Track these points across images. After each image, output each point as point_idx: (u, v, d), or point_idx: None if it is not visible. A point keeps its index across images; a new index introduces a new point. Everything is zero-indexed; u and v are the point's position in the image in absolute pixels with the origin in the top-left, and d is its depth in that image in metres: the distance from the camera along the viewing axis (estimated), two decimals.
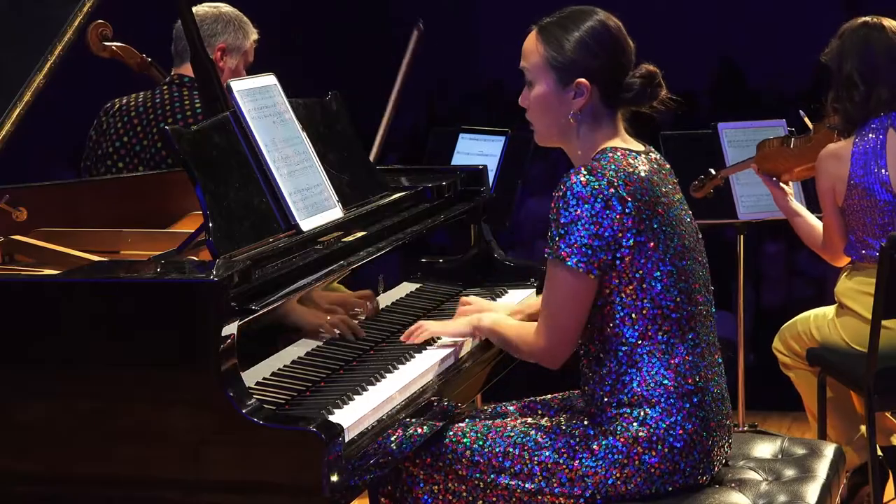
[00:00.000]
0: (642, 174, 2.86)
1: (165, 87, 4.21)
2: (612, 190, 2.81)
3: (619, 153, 2.89)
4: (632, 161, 2.88)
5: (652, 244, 2.84)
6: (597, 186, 2.81)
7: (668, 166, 3.01)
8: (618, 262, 2.83)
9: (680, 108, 3.01)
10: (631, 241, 2.82)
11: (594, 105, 2.94)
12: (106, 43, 4.28)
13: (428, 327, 3.18)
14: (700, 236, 3.02)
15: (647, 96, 2.96)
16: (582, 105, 2.93)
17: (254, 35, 4.30)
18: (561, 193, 2.83)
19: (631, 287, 2.85)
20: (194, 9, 4.14)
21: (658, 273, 2.85)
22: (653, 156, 2.98)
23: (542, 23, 2.97)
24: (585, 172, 2.83)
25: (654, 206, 2.85)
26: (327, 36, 10.74)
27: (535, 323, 2.96)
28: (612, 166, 2.85)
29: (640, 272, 2.85)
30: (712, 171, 4.71)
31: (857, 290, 4.23)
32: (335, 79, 4.99)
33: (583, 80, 2.92)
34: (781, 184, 4.47)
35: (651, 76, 2.95)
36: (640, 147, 2.97)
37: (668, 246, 2.87)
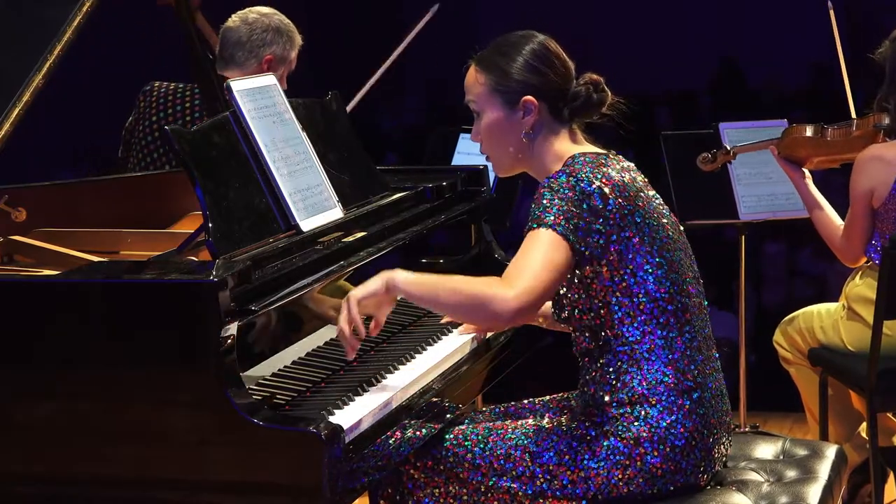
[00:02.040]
0: (614, 174, 2.89)
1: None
2: (592, 187, 2.84)
3: (588, 156, 2.92)
4: (602, 161, 2.91)
5: (637, 238, 2.86)
6: (576, 183, 2.84)
7: (633, 166, 3.02)
8: (605, 263, 2.83)
9: (631, 109, 3.02)
10: (614, 237, 2.84)
11: (544, 120, 2.98)
12: None
13: (350, 296, 2.91)
14: (682, 229, 3.02)
15: (594, 103, 2.99)
16: (532, 122, 2.96)
17: (299, 42, 4.33)
18: (542, 190, 2.85)
19: (624, 284, 2.86)
20: (245, 13, 4.23)
21: (648, 266, 2.86)
22: (619, 157, 3.00)
23: (479, 55, 3.03)
24: (563, 173, 2.86)
25: (634, 200, 2.88)
26: (327, 36, 10.73)
27: (468, 278, 2.85)
28: (587, 168, 2.87)
29: (631, 267, 2.86)
30: (727, 146, 4.66)
31: (868, 298, 4.18)
32: (335, 79, 4.99)
33: (528, 97, 2.95)
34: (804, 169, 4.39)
35: (595, 82, 2.99)
36: (603, 151, 2.99)
37: (654, 238, 2.88)
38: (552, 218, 2.81)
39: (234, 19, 4.27)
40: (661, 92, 9.96)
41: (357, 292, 2.90)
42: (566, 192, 2.83)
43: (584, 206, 2.82)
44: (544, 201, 2.84)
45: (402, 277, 2.89)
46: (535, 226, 2.83)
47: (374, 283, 2.90)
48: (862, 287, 4.25)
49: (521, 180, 4.69)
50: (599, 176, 2.86)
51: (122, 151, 4.36)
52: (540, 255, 2.80)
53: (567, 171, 2.87)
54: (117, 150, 4.46)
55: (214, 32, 4.60)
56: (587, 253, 2.83)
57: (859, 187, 4.16)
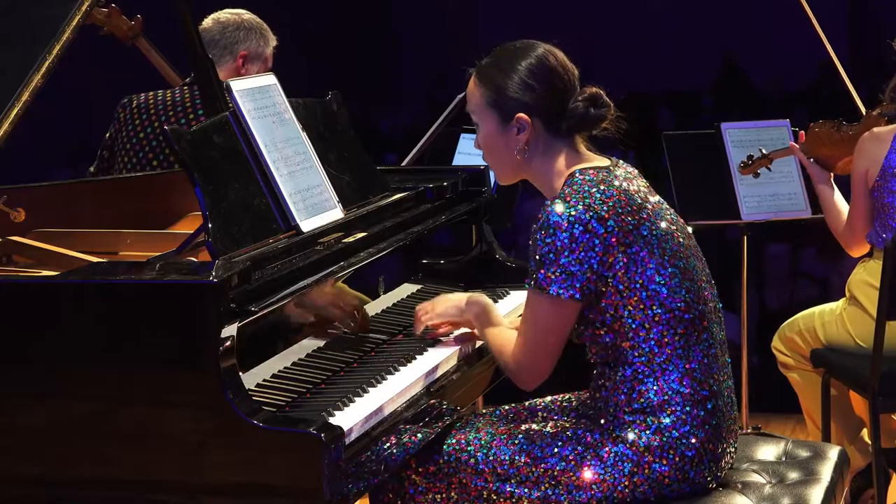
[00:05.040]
0: (617, 185, 2.84)
1: (186, 88, 4.27)
2: (589, 214, 2.78)
3: (589, 173, 2.87)
4: (604, 176, 2.86)
5: (645, 252, 2.81)
6: (574, 214, 2.78)
7: (636, 171, 2.98)
8: (611, 280, 2.80)
9: (631, 110, 2.98)
10: (621, 257, 2.80)
11: (541, 137, 2.93)
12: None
13: (424, 309, 3.19)
14: (691, 232, 2.99)
15: (592, 118, 2.93)
16: (526, 139, 2.92)
17: (273, 42, 4.40)
18: (539, 225, 2.81)
19: (636, 298, 2.82)
20: (217, 14, 4.31)
21: (660, 278, 2.82)
22: (622, 165, 2.95)
23: (480, 65, 2.99)
24: (560, 202, 2.81)
25: (638, 214, 2.83)
26: (328, 36, 10.73)
27: (509, 338, 2.95)
28: (586, 188, 2.82)
29: (641, 281, 2.81)
30: (763, 151, 4.65)
31: (868, 282, 4.18)
32: (335, 79, 4.98)
33: (522, 114, 2.91)
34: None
35: (594, 98, 2.93)
36: (606, 162, 2.94)
37: (663, 249, 2.84)
38: (554, 283, 2.78)
39: (207, 21, 4.35)
40: (662, 92, 9.96)
41: (436, 309, 3.16)
42: (562, 234, 2.77)
43: (585, 237, 2.77)
44: (541, 250, 2.79)
45: (475, 312, 3.10)
46: (534, 286, 2.81)
47: (450, 309, 3.16)
48: (863, 273, 4.25)
49: (522, 181, 4.69)
50: (598, 195, 2.80)
51: (97, 166, 4.35)
52: (542, 319, 2.85)
53: (563, 196, 2.81)
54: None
55: (160, 56, 4.65)
56: (592, 284, 2.80)
57: (857, 168, 4.22)
